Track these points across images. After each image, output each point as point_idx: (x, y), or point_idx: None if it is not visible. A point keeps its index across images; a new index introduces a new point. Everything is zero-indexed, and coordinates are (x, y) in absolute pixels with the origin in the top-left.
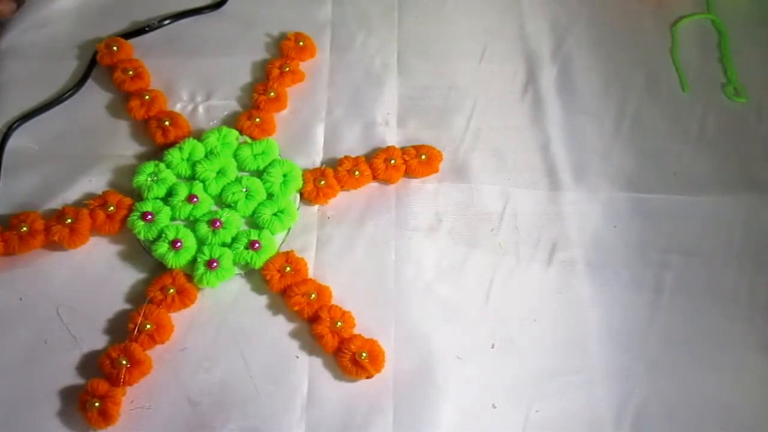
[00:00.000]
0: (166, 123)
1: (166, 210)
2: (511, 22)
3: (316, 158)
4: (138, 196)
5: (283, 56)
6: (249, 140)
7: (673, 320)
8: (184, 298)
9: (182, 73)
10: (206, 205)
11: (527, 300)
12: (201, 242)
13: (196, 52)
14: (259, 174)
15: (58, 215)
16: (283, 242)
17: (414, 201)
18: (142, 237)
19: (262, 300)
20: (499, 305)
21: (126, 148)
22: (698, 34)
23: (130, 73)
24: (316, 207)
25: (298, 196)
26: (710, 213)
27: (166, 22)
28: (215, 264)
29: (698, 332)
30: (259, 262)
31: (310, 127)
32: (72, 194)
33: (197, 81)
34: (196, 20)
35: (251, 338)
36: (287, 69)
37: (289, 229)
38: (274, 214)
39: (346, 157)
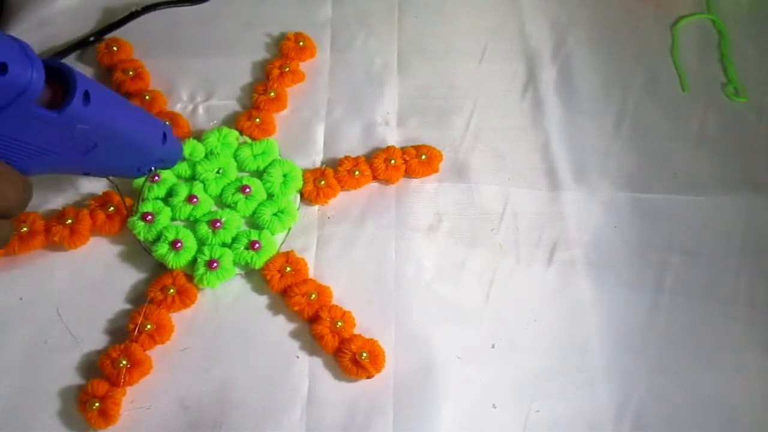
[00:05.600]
0: (167, 123)
1: (167, 210)
2: (511, 22)
3: (316, 158)
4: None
5: (283, 56)
6: (249, 140)
7: (673, 320)
8: (184, 298)
9: (182, 73)
10: (206, 205)
11: (527, 300)
12: (201, 242)
13: (196, 52)
14: (259, 174)
15: (58, 215)
16: (283, 242)
17: (414, 201)
18: (142, 237)
19: (262, 300)
20: (500, 305)
21: None
22: (698, 34)
23: (130, 73)
24: (316, 207)
25: (299, 196)
26: (710, 213)
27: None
28: (215, 264)
29: (699, 332)
30: (259, 262)
31: (310, 127)
32: (72, 194)
33: (197, 81)
34: (196, 20)
35: (251, 338)
36: (287, 69)
37: (289, 229)
38: (274, 214)
39: (346, 157)
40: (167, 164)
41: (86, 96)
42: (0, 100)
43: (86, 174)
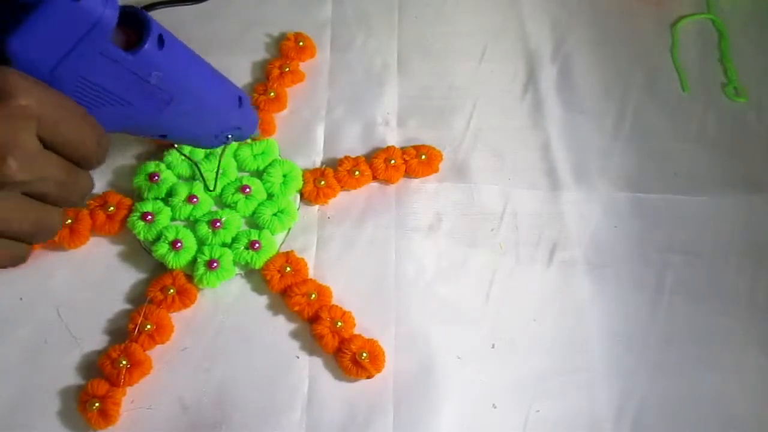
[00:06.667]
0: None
1: (166, 210)
2: (511, 22)
3: (316, 158)
4: (138, 196)
5: (283, 56)
6: (249, 140)
7: (673, 320)
8: (184, 298)
9: None
10: (206, 205)
11: (527, 300)
12: (201, 242)
13: (197, 52)
14: (259, 174)
15: None
16: (283, 242)
17: (414, 201)
18: (142, 237)
19: (262, 300)
20: (499, 305)
21: (126, 148)
22: (698, 34)
23: None
24: (316, 207)
25: (299, 196)
26: (710, 213)
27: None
28: (215, 264)
29: (699, 332)
30: (259, 262)
31: (310, 127)
32: None
33: None
34: (196, 20)
35: (251, 338)
36: (287, 69)
37: (289, 229)
38: (274, 214)
39: (346, 157)
40: (243, 133)
41: (161, 40)
42: (74, 32)
43: (162, 137)
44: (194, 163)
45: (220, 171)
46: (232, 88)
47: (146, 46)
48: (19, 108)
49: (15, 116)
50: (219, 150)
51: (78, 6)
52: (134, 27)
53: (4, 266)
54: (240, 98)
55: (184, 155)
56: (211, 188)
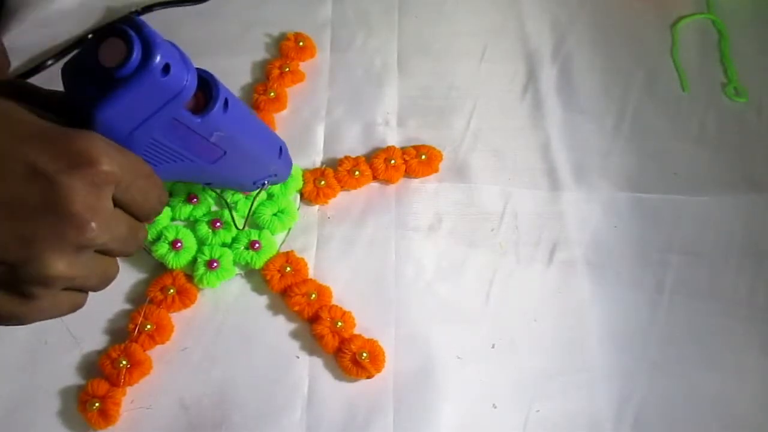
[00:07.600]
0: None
1: (166, 210)
2: (512, 21)
3: (316, 158)
4: None
5: (283, 56)
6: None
7: (673, 320)
8: (184, 298)
9: None
10: (206, 205)
11: (527, 300)
12: (201, 242)
13: (196, 52)
14: None
15: None
16: (283, 242)
17: (414, 201)
18: None
19: (262, 300)
20: (500, 305)
21: None
22: (698, 34)
23: None
24: (317, 207)
25: (299, 196)
26: (710, 213)
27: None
28: (215, 264)
29: (699, 332)
30: (259, 262)
31: (310, 127)
32: None
33: None
34: (196, 20)
35: (251, 338)
36: (287, 69)
37: (290, 229)
38: (275, 214)
39: (346, 157)
40: (279, 179)
41: (225, 103)
42: (157, 101)
43: (207, 185)
44: (227, 204)
45: (252, 211)
46: (276, 140)
47: (214, 110)
48: (102, 174)
49: (98, 182)
50: (253, 193)
51: (167, 79)
52: (201, 88)
53: (64, 314)
54: (281, 148)
55: (219, 195)
56: (240, 227)
